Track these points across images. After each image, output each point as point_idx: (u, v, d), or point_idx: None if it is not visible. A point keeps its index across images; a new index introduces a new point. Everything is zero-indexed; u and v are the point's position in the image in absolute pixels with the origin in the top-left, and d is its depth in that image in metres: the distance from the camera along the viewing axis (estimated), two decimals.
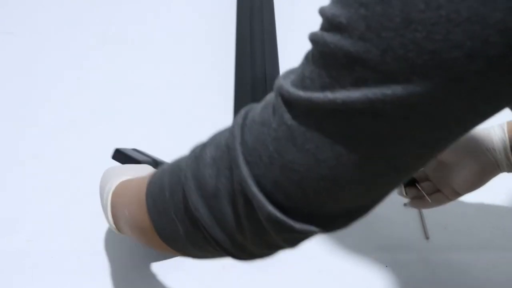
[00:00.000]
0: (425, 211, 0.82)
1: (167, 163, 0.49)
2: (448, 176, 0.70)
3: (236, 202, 0.40)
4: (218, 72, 1.08)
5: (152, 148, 0.92)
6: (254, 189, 0.39)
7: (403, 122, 0.33)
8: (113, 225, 0.60)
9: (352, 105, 0.33)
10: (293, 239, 0.42)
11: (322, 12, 0.35)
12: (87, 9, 1.26)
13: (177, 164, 0.46)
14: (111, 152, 0.76)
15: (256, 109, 0.41)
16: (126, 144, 0.93)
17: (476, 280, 0.75)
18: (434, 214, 0.80)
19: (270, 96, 0.40)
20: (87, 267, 0.74)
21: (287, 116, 0.37)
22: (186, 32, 1.20)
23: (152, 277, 0.73)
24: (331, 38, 0.34)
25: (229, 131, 0.42)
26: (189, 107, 1.01)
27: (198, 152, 0.43)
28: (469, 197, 0.75)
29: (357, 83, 0.33)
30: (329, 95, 0.34)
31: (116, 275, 0.73)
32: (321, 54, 0.35)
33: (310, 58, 0.37)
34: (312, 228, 0.39)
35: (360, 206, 0.40)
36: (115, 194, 0.58)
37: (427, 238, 0.80)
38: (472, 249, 0.79)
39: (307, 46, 0.37)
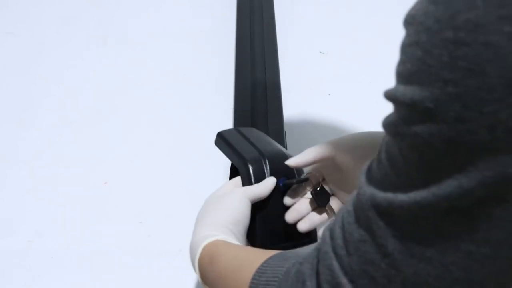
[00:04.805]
0: None
1: (263, 271, 0.45)
2: (345, 181, 0.61)
3: None
4: (218, 72, 1.08)
5: (153, 148, 0.92)
6: None
7: None
8: (201, 280, 0.56)
9: (468, 196, 0.29)
10: None
11: (393, 97, 0.31)
12: (87, 9, 1.26)
13: None
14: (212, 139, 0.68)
15: (342, 226, 0.37)
16: (127, 143, 0.93)
17: None
18: None
19: (354, 206, 0.36)
20: (87, 267, 0.74)
21: (390, 229, 0.33)
22: (186, 32, 1.20)
23: (152, 276, 0.73)
24: (421, 127, 0.29)
25: (322, 263, 0.37)
26: (189, 107, 1.01)
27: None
28: None
29: (466, 169, 0.29)
30: (436, 191, 0.30)
31: (116, 275, 0.73)
32: (412, 147, 0.31)
33: (396, 152, 0.32)
34: None
35: None
36: (204, 263, 0.54)
37: None
38: None
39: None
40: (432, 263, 0.32)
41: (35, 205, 0.82)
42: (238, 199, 0.59)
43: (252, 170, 0.62)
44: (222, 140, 0.67)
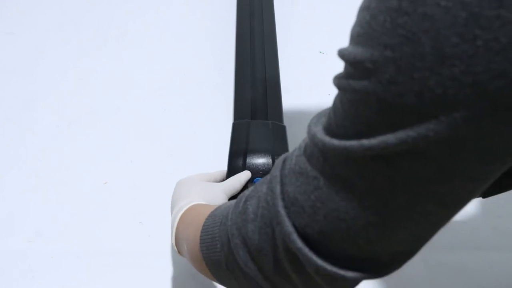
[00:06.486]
0: None
1: (221, 206, 0.50)
2: None
3: (282, 258, 0.40)
4: (218, 72, 1.08)
5: (153, 148, 0.92)
6: (299, 244, 0.37)
7: (449, 160, 0.31)
8: (175, 247, 0.59)
9: (392, 150, 0.31)
10: (345, 287, 0.40)
11: (342, 54, 0.33)
12: (87, 9, 1.26)
13: (225, 215, 0.46)
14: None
15: (292, 157, 0.40)
16: (127, 143, 0.93)
17: (475, 280, 0.75)
18: None
19: (305, 143, 0.39)
20: (87, 267, 0.74)
21: (325, 166, 0.35)
22: (186, 32, 1.20)
23: (152, 277, 0.73)
24: (359, 84, 0.32)
25: (267, 185, 0.41)
26: (189, 107, 1.01)
27: (242, 206, 0.43)
28: None
29: (394, 127, 0.31)
30: (365, 142, 0.32)
31: (116, 275, 0.73)
32: (351, 102, 0.33)
33: (339, 105, 0.35)
34: (364, 275, 0.38)
35: (410, 248, 0.38)
36: (182, 220, 0.58)
37: None
38: (471, 249, 0.79)
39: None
40: (352, 204, 0.35)
41: (35, 205, 0.82)
42: (216, 194, 0.63)
43: (228, 164, 0.68)
44: (232, 131, 0.74)
